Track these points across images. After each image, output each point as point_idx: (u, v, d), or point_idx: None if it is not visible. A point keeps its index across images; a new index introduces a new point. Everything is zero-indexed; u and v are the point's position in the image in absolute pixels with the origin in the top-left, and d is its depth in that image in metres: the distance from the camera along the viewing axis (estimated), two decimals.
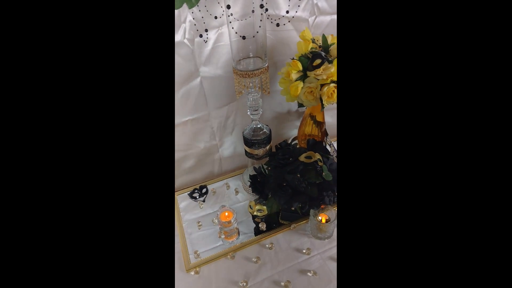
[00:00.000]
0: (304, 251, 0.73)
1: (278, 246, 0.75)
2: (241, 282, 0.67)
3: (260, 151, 0.82)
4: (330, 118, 1.11)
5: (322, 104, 0.66)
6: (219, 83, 0.82)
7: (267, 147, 0.82)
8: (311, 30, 0.85)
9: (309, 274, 0.68)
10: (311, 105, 0.68)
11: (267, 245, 0.75)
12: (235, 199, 0.90)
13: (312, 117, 0.85)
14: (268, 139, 0.81)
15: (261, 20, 0.65)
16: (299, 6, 0.79)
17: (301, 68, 0.66)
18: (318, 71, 0.64)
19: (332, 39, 0.74)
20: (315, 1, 0.79)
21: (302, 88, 0.66)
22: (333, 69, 0.64)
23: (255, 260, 0.71)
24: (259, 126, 0.81)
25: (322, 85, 0.64)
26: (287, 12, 0.73)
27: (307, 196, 0.69)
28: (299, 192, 0.68)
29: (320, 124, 0.84)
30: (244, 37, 0.59)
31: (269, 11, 0.75)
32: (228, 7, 0.55)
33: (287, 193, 0.68)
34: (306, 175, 0.71)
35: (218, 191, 0.94)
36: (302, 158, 0.72)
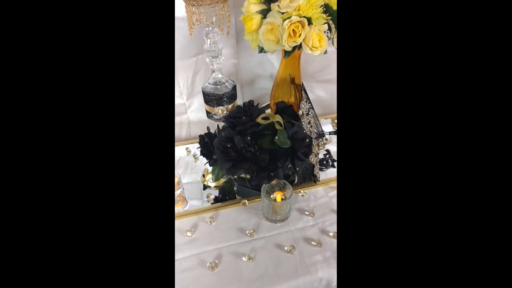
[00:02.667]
0: (247, 232, 0.59)
1: (220, 221, 0.62)
2: None
3: (219, 110, 0.69)
4: (323, 92, 0.95)
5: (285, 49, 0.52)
6: (183, 26, 0.70)
7: (229, 107, 0.69)
8: None
9: (243, 258, 0.55)
10: (273, 50, 0.54)
11: (207, 219, 0.62)
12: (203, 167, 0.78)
13: (292, 79, 0.71)
14: (230, 96, 0.68)
15: None
16: None
17: None
18: (283, 2, 0.49)
19: None
20: None
21: (261, 24, 0.52)
22: (301, 0, 0.49)
23: (189, 234, 0.60)
24: (219, 77, 0.68)
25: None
26: None
27: (255, 164, 0.56)
28: (245, 158, 0.55)
29: (297, 87, 0.70)
30: None
31: None
32: None
33: (230, 157, 0.55)
34: (259, 140, 0.57)
35: (179, 157, 0.83)
36: (258, 119, 0.59)
